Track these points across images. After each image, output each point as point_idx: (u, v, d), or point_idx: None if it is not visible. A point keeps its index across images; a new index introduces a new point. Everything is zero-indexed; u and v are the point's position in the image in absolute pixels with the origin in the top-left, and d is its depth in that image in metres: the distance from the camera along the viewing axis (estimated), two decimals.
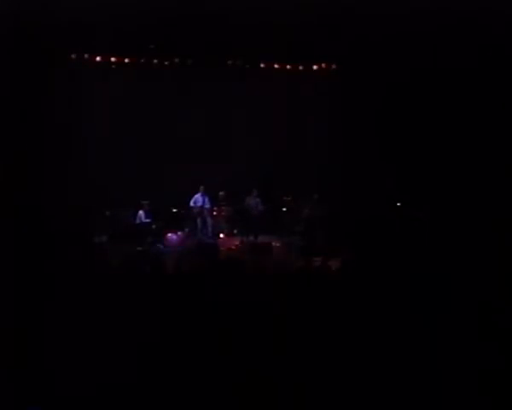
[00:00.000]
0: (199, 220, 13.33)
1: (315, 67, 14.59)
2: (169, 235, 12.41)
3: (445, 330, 6.21)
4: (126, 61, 13.95)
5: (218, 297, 6.80)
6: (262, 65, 14.26)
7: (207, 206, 13.18)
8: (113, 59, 13.87)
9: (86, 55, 13.52)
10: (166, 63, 14.04)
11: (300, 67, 14.59)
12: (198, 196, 13.18)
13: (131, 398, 5.13)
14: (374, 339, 5.99)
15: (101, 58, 13.79)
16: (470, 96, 12.38)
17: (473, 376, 5.39)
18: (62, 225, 11.76)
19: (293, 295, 7.19)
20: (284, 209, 14.19)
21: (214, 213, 13.21)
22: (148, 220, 12.09)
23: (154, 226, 12.17)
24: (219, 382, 5.25)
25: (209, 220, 13.14)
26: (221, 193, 13.37)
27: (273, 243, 12.36)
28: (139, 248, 11.72)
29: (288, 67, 14.49)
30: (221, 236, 13.19)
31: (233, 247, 12.53)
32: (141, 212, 12.12)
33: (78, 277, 7.86)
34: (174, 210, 13.34)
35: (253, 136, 15.04)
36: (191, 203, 13.21)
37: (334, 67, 14.43)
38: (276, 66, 14.38)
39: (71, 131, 13.59)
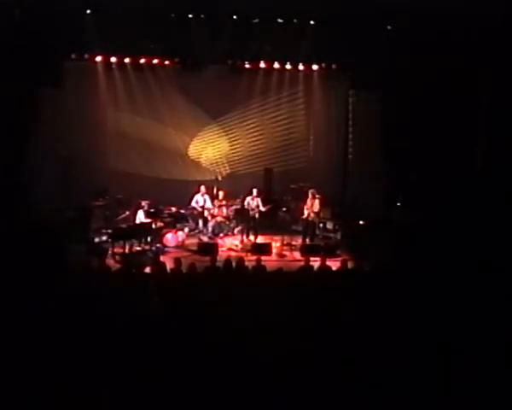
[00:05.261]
0: (199, 220, 13.33)
1: (315, 67, 14.56)
2: (169, 235, 12.39)
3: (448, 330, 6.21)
4: (126, 61, 13.92)
5: (218, 297, 6.79)
6: (262, 65, 14.23)
7: (208, 206, 13.17)
8: (113, 59, 13.84)
9: (86, 55, 13.49)
10: (167, 63, 14.01)
11: (300, 67, 14.55)
12: (199, 197, 13.16)
13: (131, 397, 5.12)
14: (378, 340, 5.97)
15: (102, 58, 13.76)
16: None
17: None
18: (62, 224, 11.76)
19: (293, 295, 7.19)
20: (284, 209, 14.19)
21: (215, 213, 13.19)
22: (148, 220, 12.07)
23: (154, 226, 12.14)
24: (219, 381, 5.24)
25: (210, 220, 13.13)
26: (221, 193, 13.36)
27: (273, 243, 12.34)
28: (139, 248, 11.72)
29: (289, 67, 14.45)
30: (221, 236, 13.18)
31: (233, 247, 12.52)
32: (141, 212, 12.09)
33: (77, 276, 7.87)
34: (174, 210, 13.33)
35: (253, 135, 15.05)
36: (192, 203, 13.20)
37: (334, 67, 14.40)
38: (276, 66, 14.35)
39: (70, 131, 13.60)
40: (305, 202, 12.79)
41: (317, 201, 12.69)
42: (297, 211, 13.29)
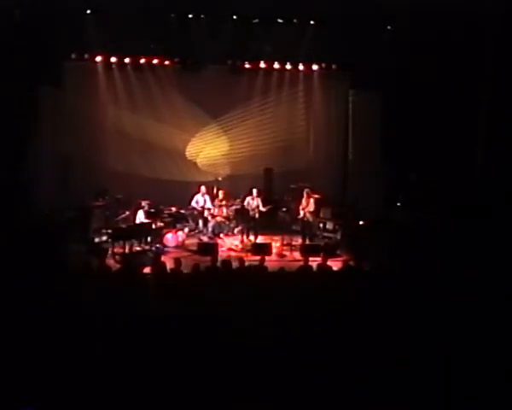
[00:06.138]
0: (200, 220, 13.34)
1: (315, 67, 14.56)
2: (169, 235, 12.39)
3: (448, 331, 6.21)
4: (126, 61, 13.92)
5: (217, 297, 6.79)
6: (262, 65, 14.23)
7: (208, 206, 13.17)
8: (113, 59, 13.84)
9: (86, 55, 13.49)
10: (167, 63, 14.01)
11: (300, 67, 14.56)
12: (199, 197, 13.17)
13: (132, 397, 5.12)
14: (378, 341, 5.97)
15: (102, 58, 13.76)
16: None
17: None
18: (62, 224, 11.76)
19: (293, 294, 7.19)
20: (284, 209, 14.19)
21: (215, 213, 13.20)
22: (148, 220, 12.07)
23: (154, 226, 12.14)
24: (219, 381, 5.24)
25: (210, 220, 13.13)
26: (221, 193, 13.36)
27: (273, 243, 12.33)
28: (139, 248, 11.72)
29: (289, 67, 14.46)
30: (221, 236, 13.18)
31: (233, 247, 12.52)
32: (141, 212, 12.09)
33: (77, 276, 7.86)
34: (174, 210, 13.33)
35: (253, 135, 15.05)
36: (192, 203, 13.20)
37: (334, 67, 14.41)
38: (276, 66, 14.35)
39: (70, 131, 13.60)
40: (300, 202, 12.79)
41: (311, 200, 12.67)
42: (296, 211, 13.29)
